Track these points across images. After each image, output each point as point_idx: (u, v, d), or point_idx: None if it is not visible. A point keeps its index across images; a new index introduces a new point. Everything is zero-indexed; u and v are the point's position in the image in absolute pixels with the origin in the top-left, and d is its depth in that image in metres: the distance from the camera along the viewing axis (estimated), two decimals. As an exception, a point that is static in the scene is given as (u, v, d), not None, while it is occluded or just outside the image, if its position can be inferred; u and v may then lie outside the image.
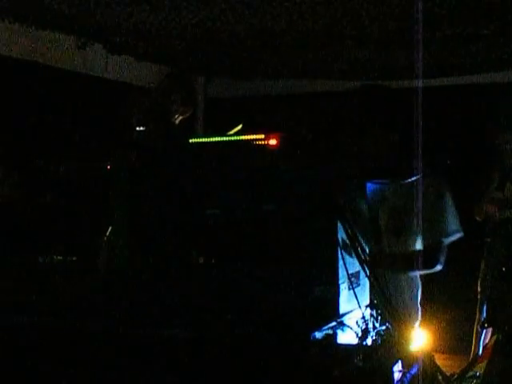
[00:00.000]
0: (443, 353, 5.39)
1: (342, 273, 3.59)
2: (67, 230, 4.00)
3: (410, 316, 4.30)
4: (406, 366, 3.39)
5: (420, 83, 5.03)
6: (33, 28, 4.78)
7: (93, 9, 4.39)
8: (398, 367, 3.32)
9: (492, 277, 4.95)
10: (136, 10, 4.42)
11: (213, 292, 3.53)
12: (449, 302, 5.94)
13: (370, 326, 3.73)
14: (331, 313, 3.53)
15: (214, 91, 6.34)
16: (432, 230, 4.42)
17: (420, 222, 4.35)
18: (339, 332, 3.53)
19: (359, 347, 3.48)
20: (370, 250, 3.80)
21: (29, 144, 5.00)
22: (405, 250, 4.25)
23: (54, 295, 3.76)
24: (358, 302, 3.66)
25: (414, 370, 3.45)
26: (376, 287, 3.70)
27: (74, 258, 3.94)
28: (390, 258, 4.21)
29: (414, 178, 4.31)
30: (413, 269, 4.40)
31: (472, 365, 4.72)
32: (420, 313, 4.57)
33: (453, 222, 4.49)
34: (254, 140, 3.66)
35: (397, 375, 3.28)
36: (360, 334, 3.63)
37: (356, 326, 3.65)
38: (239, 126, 3.96)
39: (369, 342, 3.65)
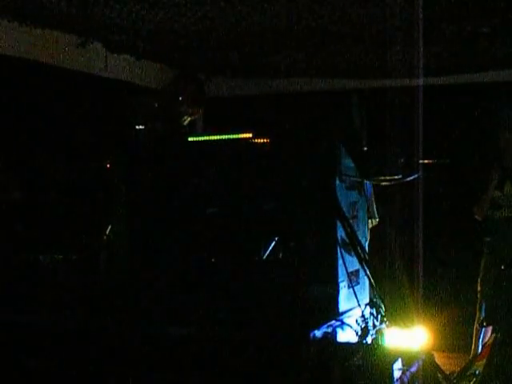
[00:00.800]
0: (443, 351, 5.39)
1: (341, 271, 3.60)
2: (67, 229, 4.00)
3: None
4: (406, 364, 3.39)
5: (419, 82, 5.03)
6: (32, 27, 4.76)
7: (92, 7, 4.38)
8: (397, 365, 3.32)
9: (491, 276, 4.95)
10: (135, 9, 4.41)
11: (212, 290, 3.53)
12: (448, 300, 5.94)
13: (370, 324, 3.73)
14: (331, 311, 3.53)
15: (213, 90, 6.33)
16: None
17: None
18: (339, 330, 3.53)
19: (359, 345, 3.48)
20: None
21: (28, 143, 4.99)
22: None
23: (54, 294, 3.75)
24: (358, 300, 3.67)
25: (413, 369, 3.45)
26: (375, 285, 3.71)
27: (74, 257, 3.94)
28: None
29: (411, 177, 4.32)
30: None
31: (471, 363, 4.72)
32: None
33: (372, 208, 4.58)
34: (251, 138, 3.65)
35: (396, 373, 3.28)
36: (360, 333, 3.63)
37: (356, 325, 3.65)
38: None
39: (369, 340, 3.65)
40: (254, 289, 3.46)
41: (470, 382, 4.60)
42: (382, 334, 3.71)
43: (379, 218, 4.64)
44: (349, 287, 3.68)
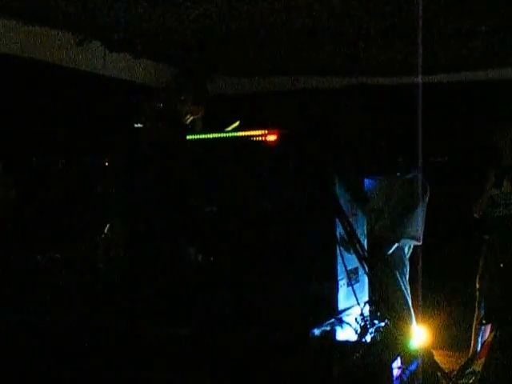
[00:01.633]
0: (442, 349, 5.39)
1: (340, 269, 3.59)
2: (65, 228, 4.00)
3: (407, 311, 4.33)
4: (405, 363, 3.38)
5: (418, 80, 5.04)
6: (31, 25, 4.77)
7: (91, 6, 4.38)
8: (397, 364, 3.32)
9: (491, 274, 4.95)
10: (134, 7, 4.42)
11: (211, 289, 3.52)
12: (448, 298, 5.94)
13: (369, 322, 3.72)
14: (330, 309, 3.53)
15: (213, 88, 6.33)
16: (393, 227, 4.52)
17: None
18: (338, 329, 3.53)
19: (358, 344, 3.48)
20: None
21: (27, 141, 4.99)
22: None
23: (52, 293, 3.75)
24: (357, 299, 3.66)
25: (413, 367, 3.44)
26: (374, 283, 3.71)
27: (72, 256, 3.93)
28: None
29: (409, 176, 4.34)
30: None
31: (471, 361, 4.73)
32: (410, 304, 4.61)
33: (414, 227, 4.59)
34: (251, 136, 3.65)
35: (396, 371, 3.28)
36: (359, 331, 3.62)
37: (355, 323, 3.65)
38: (237, 123, 3.95)
39: (368, 338, 3.64)
40: (253, 287, 3.45)
41: (469, 380, 4.60)
42: (381, 333, 3.70)
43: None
44: (348, 285, 3.67)
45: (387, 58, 5.48)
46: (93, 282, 3.78)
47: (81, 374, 3.42)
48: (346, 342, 3.49)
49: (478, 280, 5.40)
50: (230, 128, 3.92)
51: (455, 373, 4.68)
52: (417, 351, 3.53)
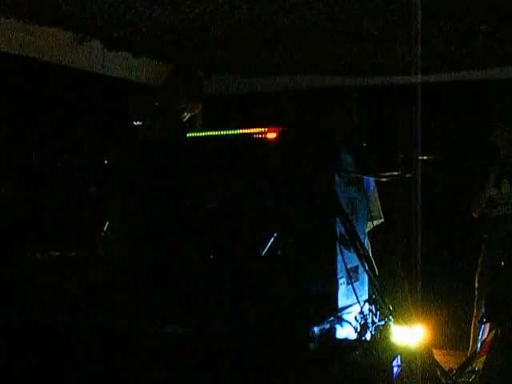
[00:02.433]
0: (442, 348, 5.39)
1: (340, 268, 3.59)
2: (64, 226, 3.98)
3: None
4: (405, 361, 3.39)
5: (417, 79, 5.03)
6: (29, 23, 4.75)
7: (90, 4, 4.37)
8: (397, 362, 3.32)
9: (491, 272, 4.95)
10: (133, 6, 4.40)
11: (211, 287, 3.51)
12: (448, 298, 5.94)
13: (369, 320, 3.72)
14: (330, 308, 3.53)
15: (212, 87, 6.32)
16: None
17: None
18: (338, 327, 3.53)
19: (358, 342, 3.48)
20: None
21: (25, 140, 4.98)
22: None
23: (51, 291, 3.74)
24: (357, 297, 3.66)
25: (412, 365, 3.45)
26: (374, 281, 3.71)
27: (71, 254, 3.92)
28: None
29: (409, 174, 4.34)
30: None
31: (471, 360, 4.72)
32: None
33: (375, 208, 4.59)
34: (251, 134, 3.65)
35: (396, 370, 3.28)
36: (359, 329, 3.63)
37: (355, 321, 3.65)
38: (235, 123, 3.94)
39: (368, 336, 3.64)
40: (253, 285, 3.44)
41: (469, 378, 4.60)
42: (381, 331, 3.70)
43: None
44: (348, 284, 3.68)
45: (386, 57, 5.47)
46: (92, 281, 3.77)
47: (78, 374, 3.41)
48: (346, 340, 3.49)
49: (476, 279, 5.41)
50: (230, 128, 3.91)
51: (455, 371, 4.67)
52: (417, 350, 3.53)
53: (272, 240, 3.50)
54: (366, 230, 4.57)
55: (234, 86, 6.40)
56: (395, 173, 4.22)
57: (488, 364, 4.04)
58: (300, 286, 3.45)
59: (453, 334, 5.70)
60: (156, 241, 3.70)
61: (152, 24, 4.80)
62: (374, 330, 3.71)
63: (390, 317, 3.70)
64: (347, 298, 3.68)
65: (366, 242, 4.19)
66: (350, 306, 3.70)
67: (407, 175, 4.57)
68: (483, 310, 4.86)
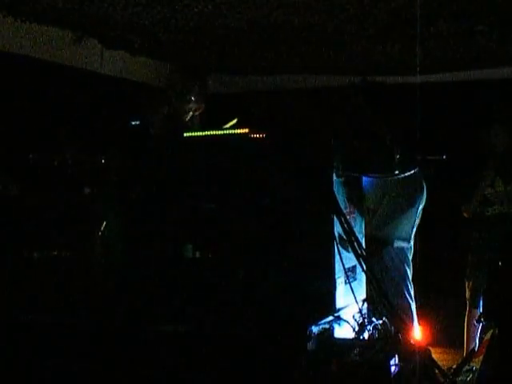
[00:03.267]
0: (440, 347, 5.41)
1: (338, 267, 3.59)
2: (61, 226, 3.99)
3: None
4: (403, 360, 3.39)
5: (415, 79, 5.04)
6: (28, 22, 4.76)
7: (88, 3, 4.37)
8: (394, 361, 3.33)
9: (485, 272, 4.97)
10: (131, 5, 4.41)
11: (209, 287, 3.53)
12: (445, 296, 5.96)
13: (367, 320, 3.73)
14: (328, 307, 3.53)
15: (211, 87, 6.34)
16: (383, 227, 4.53)
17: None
18: (336, 326, 3.54)
19: (356, 341, 3.49)
20: None
21: (23, 139, 4.98)
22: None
23: (49, 291, 3.75)
24: (355, 297, 3.67)
25: (410, 364, 3.45)
26: (372, 281, 3.71)
27: (69, 254, 3.93)
28: None
29: (406, 174, 4.34)
30: None
31: (469, 359, 4.74)
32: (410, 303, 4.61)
33: (403, 228, 4.58)
34: (249, 134, 3.65)
35: (394, 369, 3.29)
36: (357, 329, 3.63)
37: (353, 320, 3.66)
38: (234, 121, 3.95)
39: (366, 336, 3.65)
40: (250, 285, 3.46)
41: (467, 377, 4.62)
42: (378, 330, 3.71)
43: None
44: (346, 283, 3.68)
45: (385, 57, 5.49)
46: (89, 281, 3.78)
47: (75, 373, 3.42)
48: (344, 340, 3.50)
49: (470, 278, 5.43)
50: (227, 126, 3.91)
51: (453, 370, 4.69)
52: (414, 349, 3.54)
53: (270, 239, 3.51)
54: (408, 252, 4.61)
55: (232, 85, 6.42)
56: (393, 172, 4.22)
57: (486, 363, 4.05)
58: (298, 285, 3.46)
59: (451, 332, 5.72)
60: (153, 239, 3.71)
61: (149, 23, 4.82)
62: (372, 329, 3.72)
63: (388, 316, 3.71)
64: (345, 297, 3.69)
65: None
66: (348, 305, 3.70)
67: (405, 175, 4.58)
68: (482, 310, 4.88)
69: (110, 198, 3.89)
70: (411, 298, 4.67)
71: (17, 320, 3.67)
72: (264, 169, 3.57)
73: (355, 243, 3.61)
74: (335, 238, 3.56)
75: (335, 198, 3.58)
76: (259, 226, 3.53)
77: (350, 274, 3.71)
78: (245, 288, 3.45)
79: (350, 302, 3.71)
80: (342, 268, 3.61)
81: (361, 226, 4.08)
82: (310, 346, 3.24)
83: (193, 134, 3.85)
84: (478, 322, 4.67)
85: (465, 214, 5.48)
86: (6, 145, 4.73)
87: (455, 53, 5.46)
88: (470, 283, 5.40)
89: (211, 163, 3.64)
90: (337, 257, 3.57)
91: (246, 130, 3.63)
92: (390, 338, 3.58)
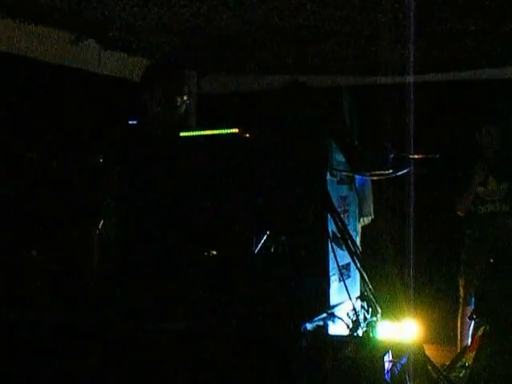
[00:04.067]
0: (433, 343, 5.44)
1: (332, 265, 3.63)
2: (59, 225, 4.00)
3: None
4: (396, 357, 3.42)
5: (409, 79, 5.07)
6: (25, 23, 4.77)
7: (85, 3, 4.39)
8: (388, 357, 3.35)
9: (480, 269, 5.00)
10: (129, 5, 4.44)
11: (204, 284, 3.54)
12: (438, 293, 6.00)
13: (361, 317, 3.77)
14: (322, 304, 3.56)
15: (206, 87, 6.37)
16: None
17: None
18: (330, 323, 3.57)
19: (350, 338, 3.51)
20: None
21: (21, 139, 5.00)
22: None
23: (46, 290, 3.76)
24: (349, 294, 3.70)
25: (403, 361, 3.48)
26: (366, 279, 3.75)
27: (66, 252, 3.94)
28: None
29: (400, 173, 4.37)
30: None
31: (461, 355, 4.78)
32: None
33: (367, 205, 4.63)
34: (243, 133, 3.67)
35: (387, 365, 3.32)
36: (351, 325, 3.67)
37: (347, 318, 3.69)
38: (235, 130, 3.93)
39: (360, 332, 3.69)
40: (245, 282, 3.48)
41: (459, 373, 4.66)
42: (372, 327, 3.75)
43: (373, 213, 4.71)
44: (340, 281, 3.71)
45: (378, 57, 5.50)
46: (87, 279, 3.79)
47: (72, 372, 3.43)
48: (338, 337, 3.52)
49: (462, 276, 5.46)
50: (225, 130, 3.93)
51: (446, 366, 4.73)
52: (408, 345, 3.57)
53: (264, 238, 3.53)
54: (359, 227, 4.63)
55: (227, 85, 6.43)
56: (387, 171, 4.25)
57: (478, 358, 4.08)
58: (292, 282, 3.48)
59: (444, 329, 5.75)
60: (150, 238, 3.72)
61: (147, 24, 4.84)
62: (366, 326, 3.75)
63: (382, 313, 3.75)
64: (339, 294, 3.72)
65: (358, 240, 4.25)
66: (342, 302, 3.74)
67: (399, 173, 4.61)
68: (473, 307, 4.91)
69: (107, 197, 3.91)
70: None
71: (15, 319, 3.67)
72: (258, 168, 3.60)
73: (349, 241, 3.65)
74: (329, 236, 3.59)
75: (329, 196, 3.61)
76: (253, 224, 3.56)
77: (343, 271, 3.74)
78: (239, 285, 3.48)
79: (344, 299, 3.74)
80: (336, 265, 3.64)
81: (354, 223, 4.12)
82: (304, 342, 3.26)
83: (189, 133, 3.88)
84: (470, 318, 4.72)
85: (458, 213, 5.52)
86: (4, 145, 4.75)
87: (447, 53, 5.49)
88: (463, 281, 5.44)
89: (205, 162, 3.66)
90: (331, 254, 3.60)
91: (239, 130, 3.65)
92: (384, 335, 3.61)
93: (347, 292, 3.69)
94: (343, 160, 3.98)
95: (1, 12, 4.57)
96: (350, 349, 3.29)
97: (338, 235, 3.64)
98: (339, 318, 3.62)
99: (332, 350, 3.27)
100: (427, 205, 5.09)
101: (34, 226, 4.07)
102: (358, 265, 3.71)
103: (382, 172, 4.13)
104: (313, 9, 4.42)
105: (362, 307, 3.88)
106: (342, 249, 3.69)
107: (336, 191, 3.79)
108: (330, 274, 3.62)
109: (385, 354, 3.34)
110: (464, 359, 4.73)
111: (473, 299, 5.16)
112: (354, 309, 3.74)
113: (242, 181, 3.61)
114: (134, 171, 3.77)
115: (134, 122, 4.07)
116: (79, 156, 4.21)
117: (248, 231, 3.55)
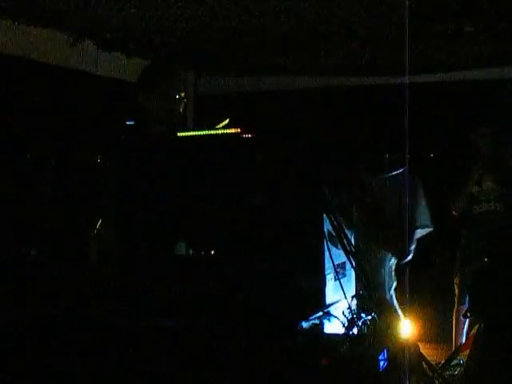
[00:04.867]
0: (428, 342, 5.46)
1: (328, 264, 3.64)
2: (57, 224, 4.02)
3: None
4: (392, 355, 3.44)
5: (405, 80, 5.09)
6: (24, 25, 4.79)
7: (83, 5, 4.42)
8: (383, 356, 3.37)
9: (471, 268, 5.04)
10: (126, 7, 4.46)
11: (199, 283, 3.55)
12: (434, 292, 6.02)
13: (356, 315, 3.78)
14: (318, 303, 3.57)
15: (204, 88, 6.39)
16: (405, 223, 4.58)
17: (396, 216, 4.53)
18: (326, 322, 3.57)
19: (345, 337, 3.52)
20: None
21: (20, 139, 5.02)
22: (383, 242, 4.37)
23: (45, 288, 3.78)
24: (344, 293, 3.71)
25: (399, 359, 3.50)
26: (361, 278, 3.76)
27: (64, 250, 3.95)
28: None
29: (394, 173, 4.40)
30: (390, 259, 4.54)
31: (456, 353, 4.81)
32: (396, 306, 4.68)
33: (424, 216, 4.66)
34: (240, 134, 3.69)
35: (383, 364, 3.33)
36: (346, 324, 3.67)
37: (342, 316, 3.70)
38: (226, 121, 3.98)
39: (355, 331, 3.70)
40: (241, 281, 3.49)
41: (454, 371, 4.68)
42: (368, 326, 3.76)
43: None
44: (335, 279, 3.72)
45: (374, 58, 5.53)
46: (84, 277, 3.81)
47: (69, 370, 3.44)
48: (334, 335, 3.53)
49: (457, 275, 5.49)
50: (219, 126, 3.95)
51: (441, 364, 4.76)
52: (403, 344, 3.59)
53: (260, 236, 3.54)
54: (415, 238, 4.68)
55: (226, 87, 6.45)
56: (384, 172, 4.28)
57: (472, 356, 4.11)
58: (288, 281, 3.49)
59: (439, 328, 5.78)
60: (147, 237, 3.74)
61: (144, 25, 4.86)
62: (361, 324, 3.76)
63: (377, 312, 3.76)
64: (334, 293, 3.72)
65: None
66: (338, 301, 3.74)
67: (395, 173, 4.65)
68: (468, 305, 4.94)
69: (105, 196, 3.92)
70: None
71: (14, 317, 3.69)
72: (254, 167, 3.61)
73: (345, 240, 3.66)
74: (325, 235, 3.60)
75: (325, 195, 3.62)
76: (249, 224, 3.57)
77: (339, 270, 3.74)
78: (234, 284, 3.49)
79: (339, 297, 3.75)
80: (331, 264, 3.65)
81: (350, 222, 4.13)
82: (300, 341, 3.27)
83: (186, 134, 3.89)
84: (465, 317, 4.75)
85: (453, 212, 5.55)
86: (3, 145, 4.77)
87: (443, 54, 5.52)
88: (458, 280, 5.47)
89: (203, 162, 3.68)
90: (326, 253, 3.60)
91: (238, 130, 3.67)
92: (380, 334, 3.62)
93: (342, 291, 3.70)
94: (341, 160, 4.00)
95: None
96: (345, 347, 3.31)
97: (334, 234, 3.65)
98: (335, 317, 3.62)
99: (327, 348, 3.28)
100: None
101: (32, 225, 4.08)
102: (354, 263, 3.72)
103: (379, 172, 4.16)
104: (309, 10, 4.45)
105: (358, 306, 3.89)
106: (337, 248, 3.70)
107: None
108: (326, 272, 3.63)
109: (380, 353, 3.35)
110: (459, 357, 4.76)
111: (467, 298, 5.18)
112: (350, 307, 3.75)
113: (237, 181, 3.62)
114: (132, 171, 3.78)
115: (132, 123, 4.09)
116: (77, 156, 4.23)
117: (244, 231, 3.57)
